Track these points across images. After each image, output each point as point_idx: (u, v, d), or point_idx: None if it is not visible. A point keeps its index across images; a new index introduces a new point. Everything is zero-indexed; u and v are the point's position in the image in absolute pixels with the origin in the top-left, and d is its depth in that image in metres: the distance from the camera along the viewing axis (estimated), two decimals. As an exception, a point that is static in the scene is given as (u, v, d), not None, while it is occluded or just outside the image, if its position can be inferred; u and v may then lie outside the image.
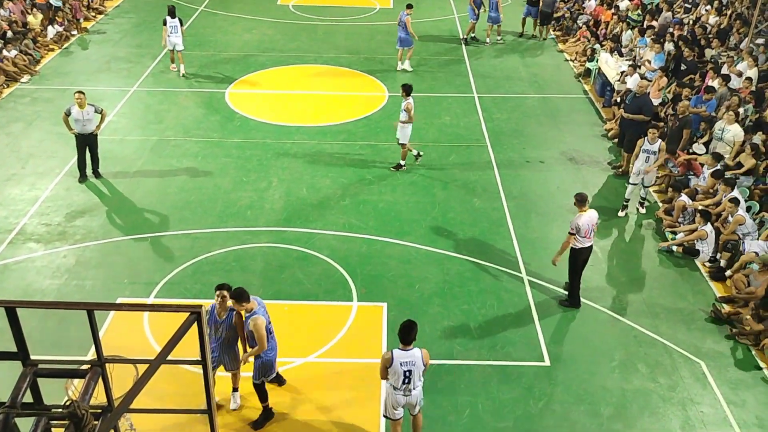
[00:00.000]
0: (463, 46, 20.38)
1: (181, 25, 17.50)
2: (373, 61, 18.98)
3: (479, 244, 11.37)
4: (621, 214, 12.35)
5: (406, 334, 6.98)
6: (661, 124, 14.40)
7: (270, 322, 7.52)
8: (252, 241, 11.13)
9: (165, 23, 17.25)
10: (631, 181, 12.27)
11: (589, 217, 9.59)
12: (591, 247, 9.81)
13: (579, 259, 9.78)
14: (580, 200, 9.60)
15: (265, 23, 21.85)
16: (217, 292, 7.40)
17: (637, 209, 12.45)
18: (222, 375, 8.03)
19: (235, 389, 8.10)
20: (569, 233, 9.57)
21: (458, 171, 13.61)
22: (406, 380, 7.02)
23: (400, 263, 10.81)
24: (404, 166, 13.43)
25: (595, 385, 8.70)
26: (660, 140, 11.95)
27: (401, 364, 6.93)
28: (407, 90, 12.94)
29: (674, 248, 11.30)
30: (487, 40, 20.63)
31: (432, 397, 8.29)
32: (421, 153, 13.61)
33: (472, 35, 20.86)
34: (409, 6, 18.00)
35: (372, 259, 10.87)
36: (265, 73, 18.04)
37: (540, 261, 10.98)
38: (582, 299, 10.13)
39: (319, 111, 16.08)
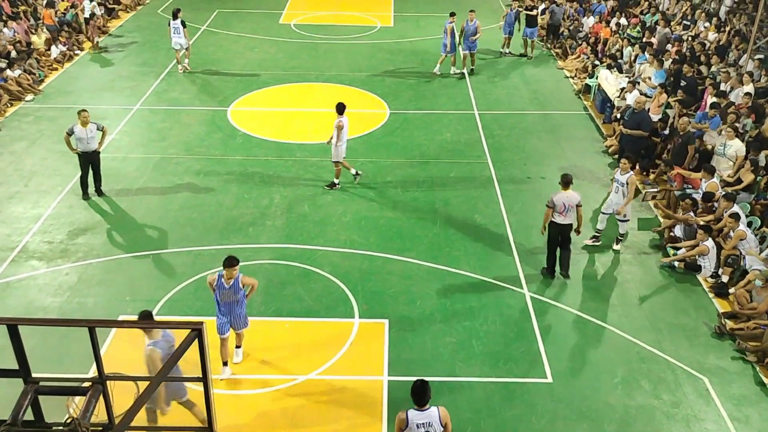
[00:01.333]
0: (463, 59, 20.51)
1: (184, 26, 18.80)
2: (375, 79, 19.10)
3: (481, 260, 11.37)
4: (588, 241, 11.76)
5: (420, 397, 6.43)
6: (659, 140, 14.47)
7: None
8: (254, 257, 11.14)
9: (169, 24, 18.84)
10: (602, 210, 11.82)
11: (567, 196, 10.41)
12: (569, 226, 10.64)
13: (553, 232, 10.64)
14: (565, 182, 10.49)
15: (267, 42, 22.03)
16: (229, 268, 8.34)
17: (612, 246, 11.77)
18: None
19: (238, 346, 8.98)
20: (546, 206, 10.55)
21: (459, 187, 13.64)
22: None
23: (402, 279, 10.81)
24: (338, 184, 13.31)
25: (598, 401, 8.66)
26: (631, 172, 11.36)
27: (417, 426, 6.42)
28: (339, 109, 12.94)
29: (676, 264, 11.29)
30: (530, 53, 21.10)
31: (434, 414, 8.24)
32: (360, 173, 13.45)
33: (508, 50, 21.26)
34: (452, 14, 19.16)
35: (373, 276, 10.87)
36: (267, 91, 18.16)
37: (542, 277, 10.97)
38: (584, 315, 10.12)
39: (320, 128, 16.14)
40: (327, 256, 11.32)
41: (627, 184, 11.34)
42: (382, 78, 19.23)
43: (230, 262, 8.28)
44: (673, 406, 8.62)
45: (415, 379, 6.62)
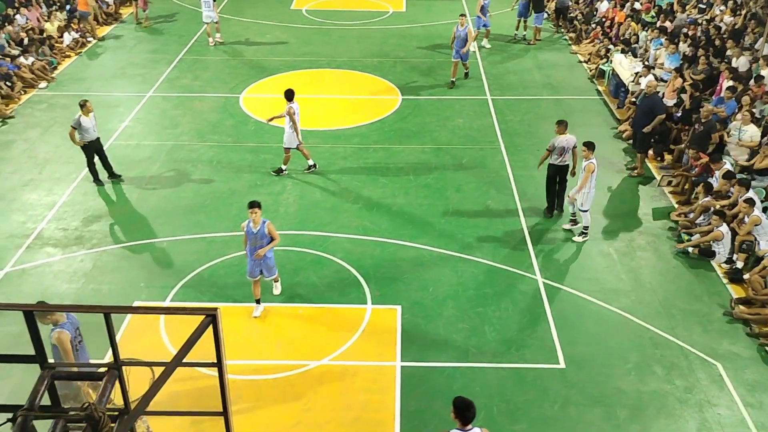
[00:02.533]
0: (476, 45, 20.37)
1: (214, 0, 19.71)
2: (386, 65, 19.02)
3: (493, 246, 11.35)
4: (566, 226, 11.77)
5: (464, 412, 5.99)
6: (673, 124, 14.32)
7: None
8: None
9: None
10: (582, 208, 11.46)
11: (565, 139, 11.57)
12: (566, 167, 11.81)
13: (551, 172, 11.89)
14: (561, 124, 11.68)
15: (279, 28, 21.96)
16: (251, 210, 9.06)
17: (564, 226, 11.80)
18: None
19: (275, 280, 9.86)
20: (546, 149, 11.77)
21: (472, 173, 13.59)
22: None
23: (414, 266, 10.81)
24: (285, 170, 13.28)
25: (611, 387, 8.65)
26: (593, 160, 11.05)
27: None
28: (288, 95, 12.92)
29: (690, 250, 11.21)
30: (533, 39, 20.86)
31: (447, 400, 8.25)
32: (316, 166, 13.40)
33: (524, 33, 21.04)
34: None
35: (385, 262, 10.88)
36: (279, 78, 18.13)
37: (555, 263, 10.94)
38: (597, 301, 10.09)
39: (332, 115, 16.14)
40: (339, 242, 11.34)
41: (584, 170, 11.15)
42: (394, 63, 19.14)
43: (251, 204, 9.11)
44: (686, 392, 8.60)
45: (452, 400, 6.13)
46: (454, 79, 17.48)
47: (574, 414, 8.25)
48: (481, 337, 9.40)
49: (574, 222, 11.82)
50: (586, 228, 11.56)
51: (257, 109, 16.22)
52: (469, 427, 6.05)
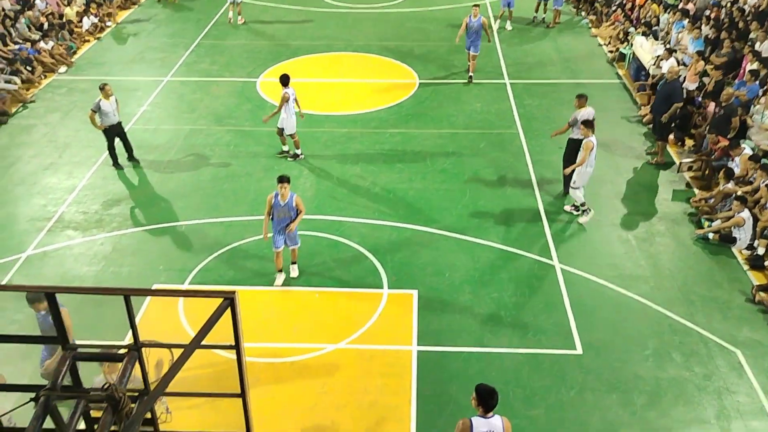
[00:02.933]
0: (495, 28, 20.17)
1: None
2: (404, 48, 18.90)
3: (510, 231, 11.30)
4: (567, 207, 11.78)
5: (487, 400, 5.92)
6: (695, 109, 14.11)
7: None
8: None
9: None
10: (574, 185, 11.47)
11: (586, 112, 11.60)
12: (580, 141, 11.40)
13: (572, 146, 11.82)
14: (581, 98, 11.81)
15: (295, 12, 21.88)
16: (280, 185, 9.37)
17: (566, 208, 11.83)
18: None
19: (293, 262, 10.05)
20: (568, 123, 11.82)
21: (489, 158, 13.51)
22: None
23: (430, 251, 10.80)
24: (301, 155, 13.35)
25: (629, 373, 8.61)
26: (592, 138, 10.98)
27: None
28: (284, 80, 12.86)
29: (710, 235, 11.09)
30: (552, 22, 20.62)
31: (463, 384, 8.30)
32: (296, 157, 13.34)
33: (543, 15, 20.82)
34: None
35: (402, 247, 10.88)
36: (296, 62, 18.10)
37: (572, 249, 10.88)
38: (615, 287, 10.03)
39: (349, 99, 16.10)
40: (355, 227, 11.35)
41: (582, 149, 11.13)
42: (411, 47, 19.01)
43: (281, 179, 9.38)
44: (705, 379, 8.54)
45: (474, 387, 6.06)
46: (472, 73, 16.76)
47: (591, 400, 8.23)
48: (497, 322, 9.38)
49: (576, 208, 11.73)
50: (583, 205, 11.50)
51: (274, 94, 16.20)
52: (491, 414, 5.98)
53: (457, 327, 9.30)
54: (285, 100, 12.75)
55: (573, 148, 11.82)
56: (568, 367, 8.69)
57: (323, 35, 19.90)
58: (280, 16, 21.56)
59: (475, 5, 16.56)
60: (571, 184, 11.43)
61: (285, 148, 13.40)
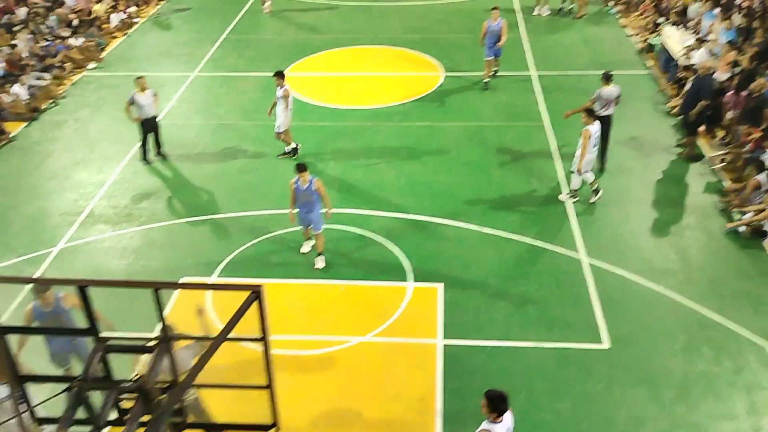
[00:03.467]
0: (521, 20, 20.00)
1: None
2: (428, 41, 18.83)
3: (536, 224, 11.22)
4: (563, 198, 11.73)
5: (499, 405, 5.86)
6: (726, 100, 13.83)
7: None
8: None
9: None
10: (573, 169, 11.60)
11: (609, 90, 12.08)
12: (608, 117, 12.17)
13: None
14: (606, 77, 12.22)
15: (321, 5, 21.92)
16: (298, 173, 9.73)
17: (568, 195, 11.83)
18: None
19: (320, 254, 10.31)
20: (590, 99, 12.19)
21: (515, 150, 13.42)
22: None
23: (456, 244, 10.78)
24: (298, 147, 13.31)
25: (657, 368, 8.52)
26: (590, 127, 11.06)
27: None
28: (281, 75, 12.75)
29: (741, 229, 10.89)
30: (578, 12, 20.40)
31: (488, 378, 8.29)
32: (299, 146, 13.36)
33: (571, 6, 20.59)
34: None
35: (427, 240, 10.88)
36: (321, 56, 18.15)
37: (600, 242, 10.77)
38: (643, 281, 9.91)
39: (374, 92, 16.09)
40: (380, 220, 11.37)
41: (580, 137, 11.17)
42: (437, 39, 18.93)
43: (299, 168, 9.76)
44: (735, 374, 8.41)
45: (484, 392, 5.97)
46: (487, 80, 16.01)
47: (618, 393, 8.16)
48: (523, 316, 9.34)
49: (596, 194, 11.73)
50: (576, 191, 11.64)
51: (300, 88, 16.28)
52: (501, 420, 5.89)
53: (482, 321, 9.29)
54: (286, 97, 12.73)
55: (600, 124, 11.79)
56: (594, 361, 8.62)
57: (349, 28, 19.91)
58: (305, 9, 21.61)
59: (494, 8, 15.65)
60: (582, 172, 11.43)
61: (294, 144, 13.33)
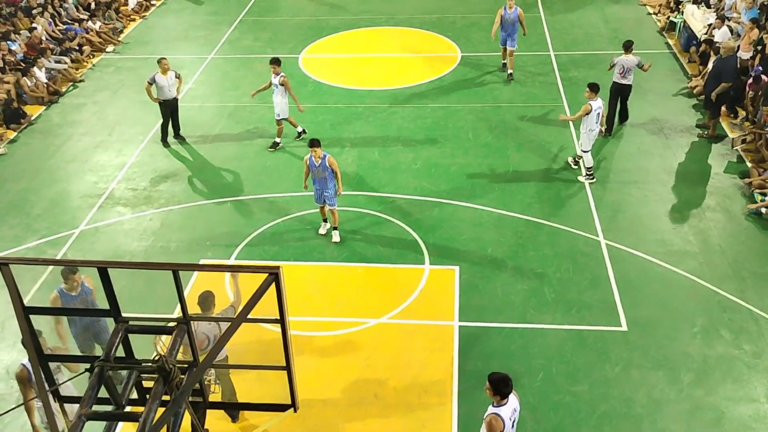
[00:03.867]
0: (539, 2, 19.74)
1: None
2: (445, 21, 18.66)
3: (554, 207, 11.15)
4: (586, 180, 11.69)
5: (502, 388, 5.93)
6: (749, 81, 13.58)
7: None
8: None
9: None
10: (583, 149, 11.64)
11: (627, 59, 12.69)
12: (628, 86, 12.89)
13: (614, 89, 12.98)
14: (626, 46, 12.81)
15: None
16: (312, 149, 9.93)
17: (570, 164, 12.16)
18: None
19: (334, 228, 10.44)
20: (609, 65, 13.06)
21: (533, 132, 13.31)
22: (512, 430, 6.12)
23: (473, 226, 10.75)
24: (280, 143, 13.11)
25: (675, 351, 8.47)
26: (591, 102, 11.16)
27: (509, 419, 6.00)
28: (277, 62, 12.60)
29: (763, 210, 10.74)
30: None
31: (504, 360, 8.30)
32: (305, 131, 13.27)
33: None
34: None
35: (444, 223, 10.86)
36: (337, 37, 18.05)
37: (618, 224, 10.68)
38: (662, 263, 9.83)
39: (390, 74, 16.00)
40: (397, 203, 11.36)
41: (581, 109, 11.46)
42: (454, 20, 18.75)
43: (312, 143, 9.96)
44: (755, 357, 8.35)
45: (487, 376, 6.06)
46: (505, 61, 15.42)
47: (636, 376, 8.14)
48: (540, 298, 9.32)
49: (576, 163, 12.08)
50: (589, 169, 11.67)
51: (316, 70, 16.24)
52: (506, 401, 5.97)
53: (499, 303, 9.28)
54: (286, 83, 12.52)
55: (615, 92, 12.97)
56: (612, 343, 8.59)
57: (365, 9, 19.77)
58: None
59: None
60: (581, 148, 11.64)
61: (300, 128, 13.25)
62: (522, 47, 16.65)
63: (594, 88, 11.30)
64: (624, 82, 12.78)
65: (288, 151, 13.01)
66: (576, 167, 12.00)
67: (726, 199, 11.23)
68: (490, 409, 6.01)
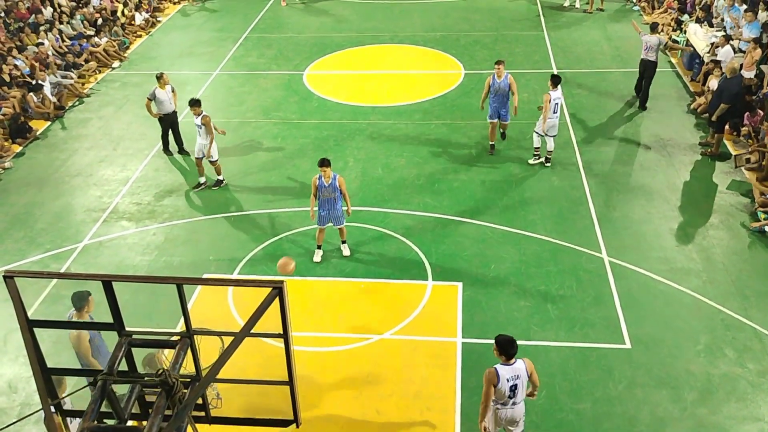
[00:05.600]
0: (542, 17, 19.88)
1: None
2: (449, 39, 18.79)
3: (557, 223, 11.16)
4: (532, 161, 12.77)
5: (507, 350, 6.45)
6: (754, 98, 13.63)
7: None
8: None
9: None
10: (536, 129, 12.62)
11: (649, 38, 14.23)
12: (651, 62, 14.35)
13: (640, 67, 14.61)
14: (651, 27, 14.55)
15: (341, 4, 21.96)
16: (321, 168, 9.81)
17: (542, 163, 12.77)
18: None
19: (343, 242, 10.44)
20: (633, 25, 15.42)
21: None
22: (512, 394, 6.58)
23: (475, 243, 10.76)
24: (224, 180, 12.48)
25: (679, 369, 8.43)
26: (551, 92, 12.12)
27: (507, 380, 6.48)
28: (197, 103, 11.81)
29: (767, 228, 10.73)
30: (591, 8, 20.57)
31: (508, 376, 8.25)
32: (225, 182, 12.52)
33: (587, 3, 20.68)
34: None
35: (446, 239, 10.86)
36: (342, 54, 18.18)
37: (622, 241, 10.68)
38: (666, 281, 9.81)
39: (394, 90, 16.10)
40: (400, 218, 11.38)
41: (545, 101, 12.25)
42: (458, 37, 18.89)
43: (322, 162, 9.81)
44: (759, 376, 8.30)
45: (494, 337, 6.63)
46: (493, 143, 13.19)
47: (639, 395, 8.09)
48: (543, 315, 9.30)
49: (536, 156, 12.82)
50: (536, 149, 12.74)
51: (320, 86, 16.34)
52: (513, 361, 6.50)
53: (502, 320, 9.26)
54: (208, 124, 11.86)
55: (642, 69, 14.54)
56: (616, 361, 8.56)
57: (369, 27, 19.93)
58: (326, 8, 21.66)
59: (499, 62, 12.53)
60: (535, 129, 12.65)
61: (203, 179, 12.42)
62: (525, 64, 16.76)
63: (554, 80, 12.21)
64: (646, 57, 14.36)
65: (292, 166, 13.05)
66: (548, 164, 12.70)
67: (729, 217, 11.22)
68: (495, 366, 6.53)
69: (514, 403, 6.67)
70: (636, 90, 15.02)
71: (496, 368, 6.51)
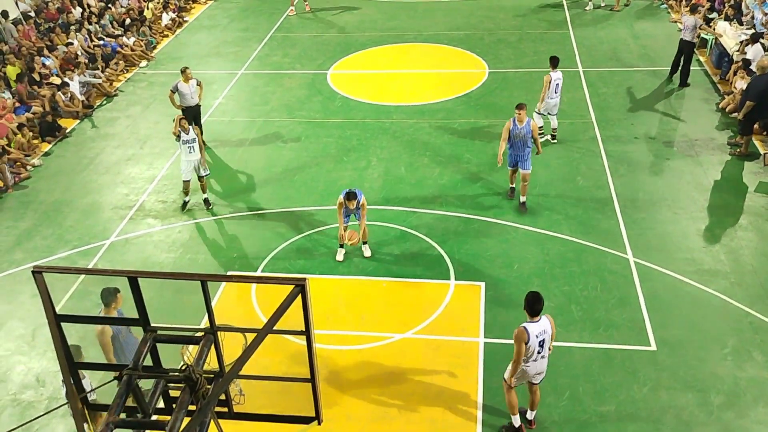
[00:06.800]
0: (568, 15, 19.72)
1: None
2: (473, 38, 18.72)
3: (582, 223, 11.06)
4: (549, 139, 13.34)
5: (533, 305, 6.84)
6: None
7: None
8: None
9: None
10: (535, 110, 13.06)
11: (688, 19, 14.85)
12: (689, 43, 14.92)
13: (679, 46, 15.18)
14: (691, 9, 15.24)
15: (365, 3, 21.98)
16: (348, 201, 9.95)
17: (548, 140, 13.29)
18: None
19: (364, 242, 10.57)
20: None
21: (561, 148, 13.24)
22: (540, 349, 6.98)
23: (499, 242, 10.70)
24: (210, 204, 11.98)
25: (705, 372, 8.31)
26: (552, 73, 12.79)
27: (536, 336, 6.87)
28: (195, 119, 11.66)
29: (798, 230, 10.53)
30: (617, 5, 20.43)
31: (530, 377, 8.20)
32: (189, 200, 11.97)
33: (604, 3, 20.53)
34: None
35: (470, 238, 10.83)
36: (366, 53, 18.21)
37: (648, 242, 10.55)
38: (693, 282, 9.67)
39: (417, 89, 16.08)
40: (423, 217, 11.37)
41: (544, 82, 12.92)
42: (482, 36, 18.80)
43: (348, 196, 9.93)
44: (789, 380, 8.15)
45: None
46: (513, 186, 11.80)
47: (664, 398, 7.99)
48: (567, 316, 9.22)
49: (542, 134, 13.21)
50: (539, 128, 12.95)
51: (344, 86, 16.38)
52: (538, 318, 6.86)
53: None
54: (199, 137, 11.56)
55: (680, 47, 15.11)
56: (640, 363, 8.46)
57: (393, 26, 19.93)
58: (350, 7, 21.70)
59: (519, 106, 10.93)
60: (535, 109, 13.03)
61: (187, 198, 11.95)
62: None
63: (553, 61, 12.91)
64: (683, 37, 14.93)
65: (316, 165, 13.11)
66: (554, 141, 13.29)
67: (758, 218, 11.02)
68: (522, 324, 6.85)
69: (542, 357, 7.06)
70: (672, 67, 15.49)
71: (524, 326, 6.83)
